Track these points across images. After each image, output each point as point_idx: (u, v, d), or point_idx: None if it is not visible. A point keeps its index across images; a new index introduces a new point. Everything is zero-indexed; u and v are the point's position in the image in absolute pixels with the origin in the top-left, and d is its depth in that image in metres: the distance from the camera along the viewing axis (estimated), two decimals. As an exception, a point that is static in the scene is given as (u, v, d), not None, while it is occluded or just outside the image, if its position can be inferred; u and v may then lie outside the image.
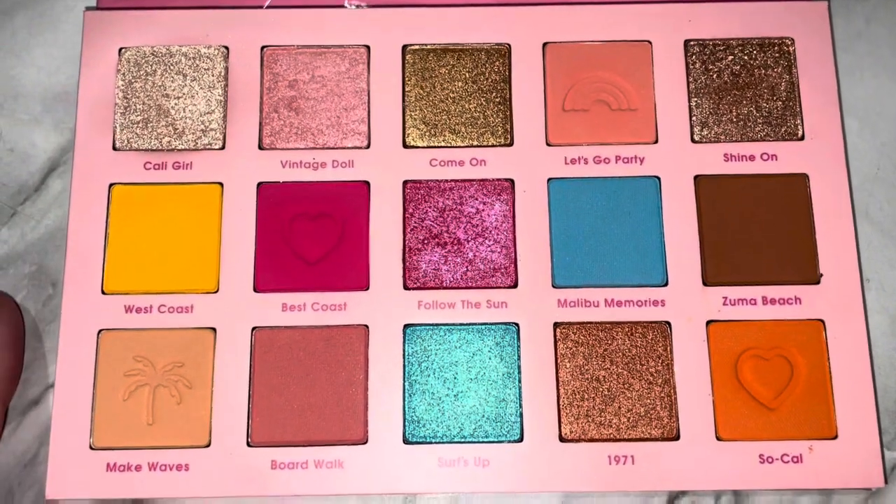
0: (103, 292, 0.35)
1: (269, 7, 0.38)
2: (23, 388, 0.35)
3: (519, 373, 0.34)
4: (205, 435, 0.34)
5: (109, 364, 0.34)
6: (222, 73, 0.37)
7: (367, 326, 0.35)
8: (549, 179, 0.36)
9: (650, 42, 0.37)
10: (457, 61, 0.38)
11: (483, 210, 0.36)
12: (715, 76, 0.37)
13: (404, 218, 0.36)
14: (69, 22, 0.39)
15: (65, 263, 0.35)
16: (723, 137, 0.37)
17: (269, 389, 0.34)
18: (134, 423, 0.34)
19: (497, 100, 0.37)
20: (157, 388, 0.34)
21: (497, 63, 0.38)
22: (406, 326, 0.35)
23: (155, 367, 0.34)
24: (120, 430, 0.34)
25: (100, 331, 0.35)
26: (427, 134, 0.37)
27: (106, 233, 0.35)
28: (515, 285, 0.35)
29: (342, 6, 0.38)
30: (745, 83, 0.37)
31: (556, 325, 0.35)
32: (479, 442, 0.34)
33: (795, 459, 0.33)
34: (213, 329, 0.35)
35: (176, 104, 0.37)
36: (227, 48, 0.37)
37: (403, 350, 0.34)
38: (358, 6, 0.38)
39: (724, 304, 0.35)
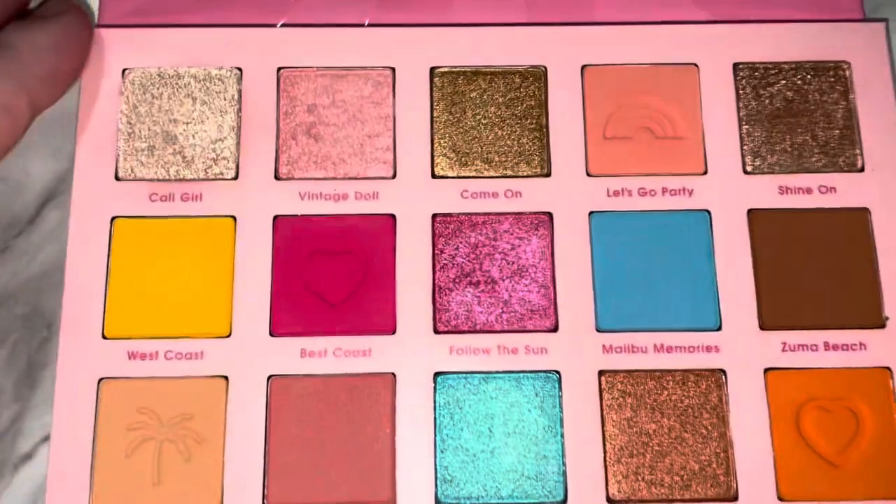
0: (104, 337, 0.32)
1: (283, 26, 0.35)
2: (14, 441, 0.32)
3: (561, 426, 0.31)
4: (216, 496, 0.30)
5: (111, 416, 0.31)
6: (235, 97, 0.34)
7: (394, 374, 0.32)
8: (590, 213, 0.33)
9: (697, 65, 0.35)
10: (489, 85, 0.35)
11: (519, 246, 0.33)
12: (767, 102, 0.35)
13: (433, 255, 0.33)
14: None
15: (61, 304, 0.32)
16: (777, 168, 0.34)
17: (286, 445, 0.31)
18: (138, 482, 0.30)
19: (532, 126, 0.34)
20: (163, 444, 0.31)
21: (532, 87, 0.35)
22: (437, 374, 0.32)
23: (161, 420, 0.31)
24: (122, 491, 0.30)
25: (100, 379, 0.31)
26: (457, 163, 0.34)
27: (107, 271, 0.32)
28: (556, 329, 0.32)
29: (364, 25, 0.35)
30: (799, 110, 0.35)
31: (600, 373, 0.32)
32: (518, 503, 0.31)
33: (864, 521, 0.31)
34: (226, 377, 0.32)
35: (184, 130, 0.34)
36: (240, 70, 0.34)
37: (434, 401, 0.32)
38: (371, 25, 0.35)
39: (783, 350, 0.32)
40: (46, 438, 0.32)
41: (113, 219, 0.33)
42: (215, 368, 0.32)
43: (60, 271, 0.33)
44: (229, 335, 0.32)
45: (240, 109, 0.34)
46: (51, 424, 0.31)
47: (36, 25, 0.32)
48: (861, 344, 0.32)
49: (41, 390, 0.33)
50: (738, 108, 0.35)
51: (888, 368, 0.32)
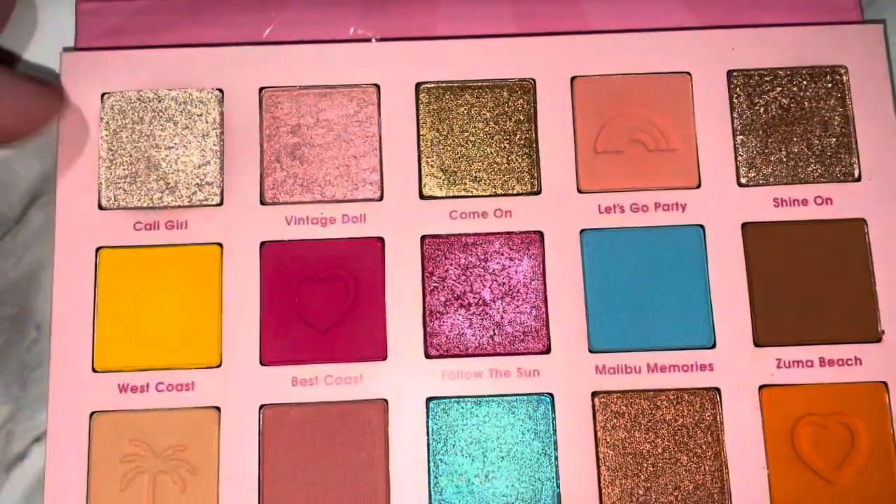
0: (94, 370, 0.32)
1: (265, 44, 0.34)
2: (7, 441, 0.32)
3: (555, 449, 0.31)
4: (212, 528, 0.31)
5: (104, 450, 0.31)
6: (217, 120, 0.33)
7: (385, 401, 0.32)
8: (581, 231, 0.33)
9: (689, 73, 0.34)
10: (476, 99, 0.34)
11: (510, 266, 0.33)
12: (762, 111, 0.34)
13: (423, 277, 0.33)
14: (52, 30, 0.35)
15: (51, 305, 0.32)
16: (772, 180, 0.33)
17: (280, 474, 0.31)
18: (133, 516, 0.31)
19: (521, 142, 0.34)
20: (157, 475, 0.31)
21: (521, 100, 0.34)
22: (429, 399, 0.32)
23: (154, 452, 0.31)
24: (118, 525, 0.31)
25: (92, 413, 0.31)
26: (445, 182, 0.33)
27: (94, 303, 0.32)
28: (548, 351, 0.32)
29: (349, 41, 0.34)
30: (794, 118, 0.34)
31: (594, 394, 0.32)
32: (513, 528, 0.31)
33: (859, 537, 0.31)
34: (217, 408, 0.31)
35: (167, 155, 0.33)
36: (221, 91, 0.34)
37: (427, 426, 0.31)
38: (366, 40, 0.34)
39: (778, 366, 0.32)
40: (38, 439, 0.32)
41: (98, 249, 0.33)
42: (207, 399, 0.32)
43: (47, 272, 0.33)
44: (220, 365, 0.32)
45: (222, 132, 0.33)
46: (43, 424, 0.32)
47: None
48: (857, 359, 0.32)
49: (32, 391, 0.33)
50: (733, 118, 0.34)
51: (884, 383, 0.32)
